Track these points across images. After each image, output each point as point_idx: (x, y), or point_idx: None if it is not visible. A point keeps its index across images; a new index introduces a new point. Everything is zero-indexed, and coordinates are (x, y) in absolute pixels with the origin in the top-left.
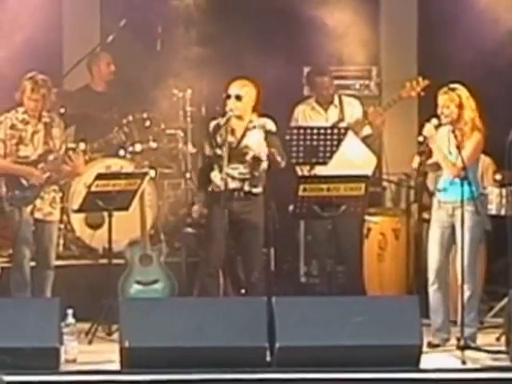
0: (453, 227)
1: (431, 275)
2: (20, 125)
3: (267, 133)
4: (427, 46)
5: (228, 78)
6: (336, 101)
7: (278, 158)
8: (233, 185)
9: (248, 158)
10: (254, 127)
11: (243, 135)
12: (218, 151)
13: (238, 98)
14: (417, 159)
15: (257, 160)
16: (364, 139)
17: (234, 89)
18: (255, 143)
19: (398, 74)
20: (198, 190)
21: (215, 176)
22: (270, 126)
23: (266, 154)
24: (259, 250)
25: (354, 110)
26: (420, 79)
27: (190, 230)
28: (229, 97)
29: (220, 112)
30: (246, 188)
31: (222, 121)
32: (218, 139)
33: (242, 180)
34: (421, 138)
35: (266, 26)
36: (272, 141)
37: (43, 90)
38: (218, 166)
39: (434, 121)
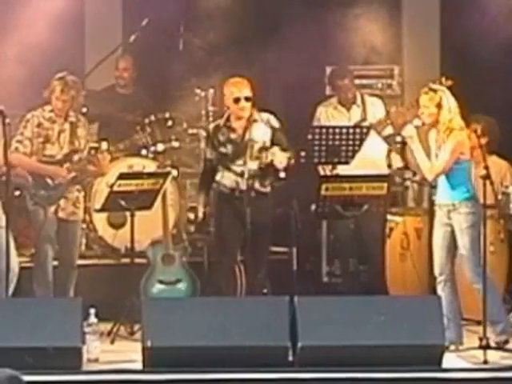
0: (452, 227)
1: (436, 274)
2: (47, 123)
3: (273, 130)
4: (449, 45)
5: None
6: (358, 100)
7: (279, 166)
8: (243, 184)
9: (254, 150)
10: (255, 121)
11: (245, 130)
12: (223, 149)
13: (248, 99)
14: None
15: (264, 151)
16: (386, 139)
17: (243, 91)
18: (259, 136)
19: (421, 73)
20: (199, 192)
21: (222, 176)
22: (274, 122)
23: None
24: (267, 249)
25: (376, 110)
26: (443, 79)
27: (197, 235)
28: (238, 99)
29: None
30: (257, 186)
31: (221, 121)
32: (221, 138)
33: (252, 177)
34: (399, 138)
35: (289, 25)
36: (277, 137)
37: (72, 92)
38: (224, 166)
39: (417, 121)
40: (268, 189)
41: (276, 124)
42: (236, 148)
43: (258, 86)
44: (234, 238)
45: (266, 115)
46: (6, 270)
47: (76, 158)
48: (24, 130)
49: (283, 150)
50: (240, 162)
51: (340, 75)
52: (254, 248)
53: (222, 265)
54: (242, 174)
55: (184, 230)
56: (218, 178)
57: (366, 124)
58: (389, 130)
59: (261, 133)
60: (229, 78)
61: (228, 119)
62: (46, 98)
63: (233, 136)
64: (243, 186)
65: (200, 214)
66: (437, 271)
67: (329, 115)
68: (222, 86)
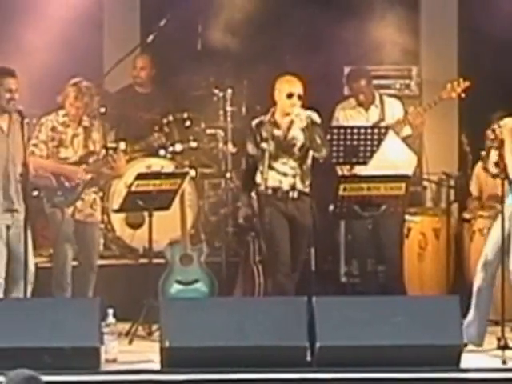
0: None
1: (479, 269)
2: (60, 127)
3: (312, 123)
4: (467, 45)
5: (269, 77)
6: (377, 101)
7: (319, 157)
8: (285, 184)
9: (296, 149)
10: (301, 119)
11: (289, 127)
12: (264, 145)
13: (300, 97)
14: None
15: (305, 150)
16: (404, 139)
17: (296, 88)
18: (302, 134)
19: (439, 73)
20: (242, 191)
21: (264, 176)
22: (315, 117)
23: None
24: (305, 252)
25: (394, 111)
26: (461, 80)
27: (231, 229)
28: (291, 95)
29: (260, 111)
30: (299, 186)
31: (265, 117)
32: (264, 134)
33: (293, 176)
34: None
35: (307, 25)
36: (314, 130)
37: (86, 98)
38: (267, 164)
39: None
40: (308, 188)
41: (317, 119)
42: (278, 145)
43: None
44: (282, 240)
45: (309, 112)
46: (24, 271)
47: (91, 159)
48: (39, 133)
49: (318, 144)
50: (282, 160)
51: (357, 76)
52: (293, 251)
53: (280, 264)
54: (284, 174)
55: (202, 230)
56: (258, 179)
57: (384, 124)
58: (407, 131)
59: (301, 130)
60: (283, 75)
61: (273, 115)
62: (60, 103)
63: (276, 132)
64: (286, 186)
65: (247, 213)
66: (483, 267)
67: (347, 115)
68: (274, 81)
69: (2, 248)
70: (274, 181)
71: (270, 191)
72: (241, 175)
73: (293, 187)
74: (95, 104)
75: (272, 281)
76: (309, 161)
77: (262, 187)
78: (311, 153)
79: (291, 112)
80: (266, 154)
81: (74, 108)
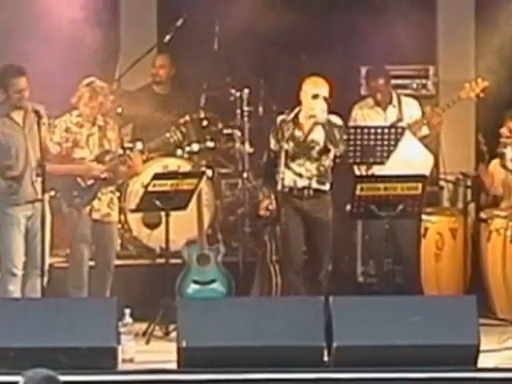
0: None
1: None
2: (74, 128)
3: (330, 124)
4: (485, 45)
5: (285, 77)
6: (394, 100)
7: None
8: (301, 183)
9: (314, 152)
10: (322, 123)
11: (311, 130)
12: (284, 145)
13: (326, 99)
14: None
15: (323, 154)
16: (422, 139)
17: (323, 90)
18: (322, 137)
19: (456, 73)
20: (263, 184)
21: (282, 174)
22: (336, 119)
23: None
24: (330, 248)
25: (412, 110)
26: (479, 80)
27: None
28: (316, 96)
29: (276, 111)
30: (315, 185)
31: (288, 116)
32: (286, 133)
33: (309, 177)
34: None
35: (324, 25)
36: (331, 129)
37: (101, 98)
38: (283, 164)
39: None
40: (327, 187)
41: (338, 121)
42: (298, 146)
43: (293, 86)
44: (296, 237)
45: (330, 116)
46: (41, 270)
47: (107, 158)
48: (52, 135)
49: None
50: (299, 161)
51: (376, 75)
52: (317, 248)
53: (291, 262)
54: (300, 174)
55: (219, 229)
56: (277, 175)
57: (401, 124)
58: (425, 131)
59: (324, 135)
60: (309, 76)
61: (297, 115)
62: (74, 104)
63: (297, 133)
64: (301, 185)
65: (270, 206)
66: None
67: (365, 115)
68: (300, 82)
69: (19, 240)
70: (290, 180)
71: (286, 190)
72: (262, 168)
73: (308, 187)
74: (109, 103)
75: (282, 279)
76: (327, 162)
77: (279, 186)
78: (331, 154)
79: (314, 114)
80: (282, 154)
81: (89, 108)
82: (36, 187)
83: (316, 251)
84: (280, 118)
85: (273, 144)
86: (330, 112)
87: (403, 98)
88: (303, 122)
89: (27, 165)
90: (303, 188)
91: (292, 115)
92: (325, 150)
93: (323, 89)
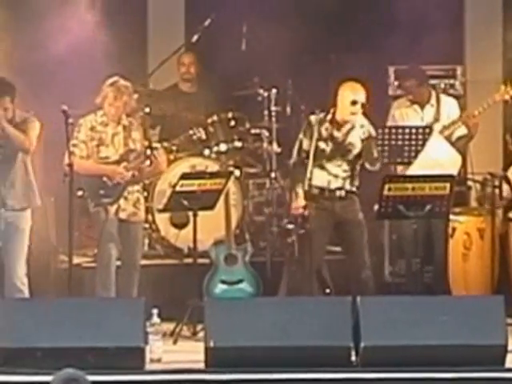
0: None
1: None
2: (99, 127)
3: (368, 137)
4: None
5: (313, 77)
6: (433, 100)
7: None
8: (335, 184)
9: (351, 155)
10: (362, 126)
11: (348, 133)
12: (322, 145)
13: (363, 105)
14: None
15: (358, 157)
16: (459, 139)
17: (360, 95)
18: (359, 142)
19: (483, 73)
20: (294, 184)
21: (314, 175)
22: (372, 131)
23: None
24: (366, 247)
25: (450, 110)
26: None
27: (290, 226)
28: (355, 103)
29: (304, 111)
30: (348, 187)
31: (326, 116)
32: (324, 132)
33: (344, 178)
34: None
35: (351, 25)
36: (372, 143)
37: (125, 97)
38: (318, 164)
39: None
40: (355, 188)
41: (373, 132)
42: (336, 147)
43: (321, 86)
44: (321, 238)
45: (367, 122)
46: (69, 269)
47: (132, 156)
48: (78, 134)
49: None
50: (337, 162)
51: (406, 76)
52: (354, 248)
53: (306, 263)
54: (335, 175)
55: (246, 229)
56: (309, 175)
57: (439, 124)
58: (462, 130)
59: (360, 139)
60: (346, 81)
61: (334, 116)
62: (99, 104)
63: (336, 134)
64: (335, 186)
65: (302, 203)
66: None
67: (403, 114)
68: (337, 87)
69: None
70: (323, 181)
71: (316, 191)
72: (292, 168)
73: (341, 188)
74: (134, 102)
75: (301, 277)
76: (358, 166)
77: (308, 186)
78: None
79: (352, 120)
80: (317, 153)
81: (114, 108)
82: None
83: (353, 251)
84: (314, 117)
85: (306, 144)
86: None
87: (443, 98)
88: (341, 124)
89: None
90: (336, 189)
91: (330, 116)
92: (359, 156)
93: (361, 95)
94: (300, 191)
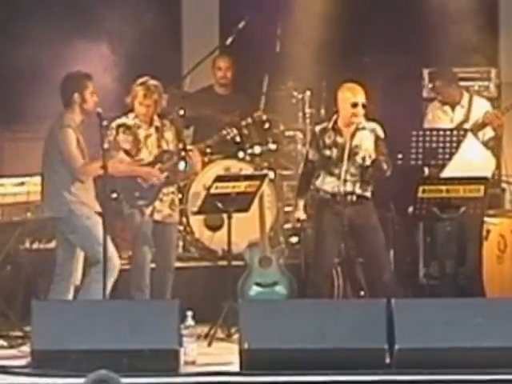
0: None
1: None
2: (132, 129)
3: (377, 139)
4: None
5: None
6: (464, 101)
7: (384, 166)
8: (345, 188)
9: (358, 157)
10: (364, 128)
11: (353, 136)
12: (327, 152)
13: (364, 106)
14: None
15: (366, 160)
16: (488, 141)
17: (360, 97)
18: (365, 144)
19: None
20: (298, 195)
21: (323, 181)
22: (380, 131)
23: (372, 160)
24: (384, 250)
25: (480, 112)
26: None
27: (294, 239)
28: (355, 105)
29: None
30: (358, 191)
31: (328, 124)
32: (327, 140)
33: (353, 182)
34: None
35: (385, 28)
36: (380, 147)
37: (155, 96)
38: (326, 170)
39: None
40: (369, 193)
41: (381, 134)
42: (341, 152)
43: None
44: (332, 243)
45: (372, 124)
46: (103, 272)
47: (166, 157)
48: (110, 137)
49: (384, 160)
50: (344, 167)
51: (436, 77)
52: (371, 252)
53: (319, 269)
54: (344, 180)
55: (281, 232)
56: (317, 182)
57: (467, 125)
58: (490, 133)
59: (367, 141)
60: (344, 83)
61: (336, 122)
62: (129, 104)
63: (339, 140)
64: (345, 191)
65: (301, 216)
66: None
67: (435, 116)
68: (335, 89)
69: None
70: (333, 186)
71: (328, 196)
72: (298, 180)
73: (351, 193)
74: (164, 102)
75: (311, 282)
76: (370, 169)
77: (321, 192)
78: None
79: (355, 122)
80: (323, 161)
81: (144, 107)
82: None
83: (371, 255)
84: (318, 127)
85: (311, 154)
86: (369, 119)
87: (476, 99)
88: (344, 129)
89: None
90: (347, 194)
91: (331, 122)
92: (368, 156)
93: (361, 96)
94: (301, 203)
